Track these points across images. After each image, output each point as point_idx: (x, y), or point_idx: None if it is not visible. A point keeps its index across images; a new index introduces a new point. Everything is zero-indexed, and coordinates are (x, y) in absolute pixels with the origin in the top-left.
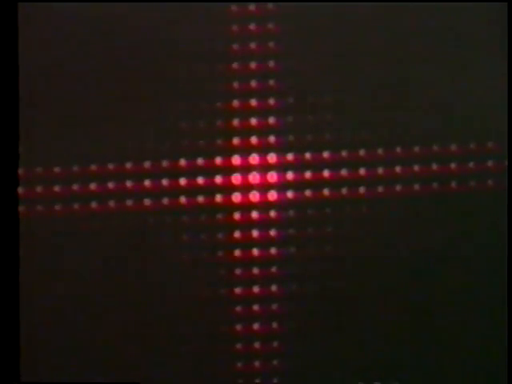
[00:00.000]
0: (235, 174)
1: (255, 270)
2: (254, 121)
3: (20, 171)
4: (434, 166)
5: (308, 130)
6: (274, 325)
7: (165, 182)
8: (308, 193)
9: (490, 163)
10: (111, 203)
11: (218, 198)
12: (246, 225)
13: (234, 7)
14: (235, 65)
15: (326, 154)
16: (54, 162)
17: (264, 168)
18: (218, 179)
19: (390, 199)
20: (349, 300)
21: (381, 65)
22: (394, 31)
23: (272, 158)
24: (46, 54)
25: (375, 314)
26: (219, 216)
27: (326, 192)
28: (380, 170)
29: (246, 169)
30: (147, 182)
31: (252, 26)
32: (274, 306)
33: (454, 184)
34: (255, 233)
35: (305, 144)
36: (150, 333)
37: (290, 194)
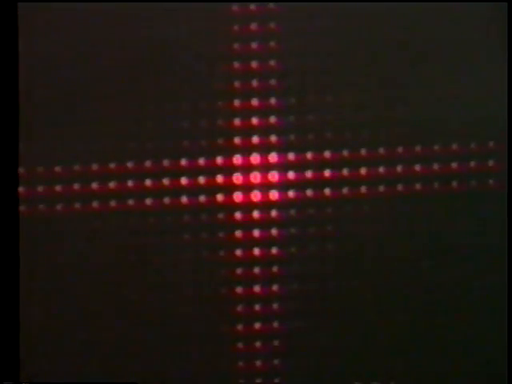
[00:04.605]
0: (236, 174)
1: (256, 270)
2: (255, 120)
3: (21, 171)
4: (435, 166)
5: (309, 129)
6: (275, 324)
7: (166, 181)
8: (309, 192)
9: (490, 163)
10: (112, 203)
11: (219, 197)
12: (247, 224)
13: (235, 7)
14: (236, 64)
15: (327, 154)
16: (54, 161)
17: (265, 167)
18: (219, 179)
19: (391, 199)
20: (350, 299)
21: (382, 64)
22: (395, 31)
23: (273, 157)
24: (46, 54)
25: (376, 313)
26: (220, 215)
27: (327, 191)
28: (381, 170)
29: (247, 168)
30: (148, 182)
31: (253, 26)
32: (275, 306)
33: (455, 184)
34: (256, 232)
35: (306, 143)
36: (150, 332)
37: (291, 194)
